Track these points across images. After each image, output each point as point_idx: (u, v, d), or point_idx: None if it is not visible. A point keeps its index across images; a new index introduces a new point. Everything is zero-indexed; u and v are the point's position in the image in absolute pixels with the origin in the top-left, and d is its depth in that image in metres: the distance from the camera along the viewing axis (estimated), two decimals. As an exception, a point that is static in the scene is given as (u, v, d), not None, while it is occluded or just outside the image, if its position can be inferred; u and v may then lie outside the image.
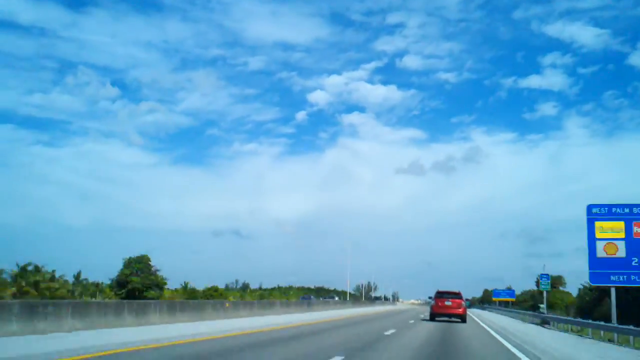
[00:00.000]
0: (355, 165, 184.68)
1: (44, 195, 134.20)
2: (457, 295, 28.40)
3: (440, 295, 28.36)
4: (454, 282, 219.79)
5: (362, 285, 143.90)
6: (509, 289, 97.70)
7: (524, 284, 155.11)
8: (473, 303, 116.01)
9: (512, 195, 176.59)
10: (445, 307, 27.77)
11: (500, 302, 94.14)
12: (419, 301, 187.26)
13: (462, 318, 27.78)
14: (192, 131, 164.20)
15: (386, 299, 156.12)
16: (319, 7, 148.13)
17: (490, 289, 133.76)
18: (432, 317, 28.50)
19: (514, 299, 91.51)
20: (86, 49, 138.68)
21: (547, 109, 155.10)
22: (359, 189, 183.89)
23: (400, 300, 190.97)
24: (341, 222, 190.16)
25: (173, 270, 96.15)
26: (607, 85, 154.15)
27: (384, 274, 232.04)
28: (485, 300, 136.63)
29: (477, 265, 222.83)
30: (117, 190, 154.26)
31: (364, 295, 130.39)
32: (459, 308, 27.62)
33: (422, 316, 34.58)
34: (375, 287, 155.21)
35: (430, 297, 33.22)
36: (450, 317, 28.11)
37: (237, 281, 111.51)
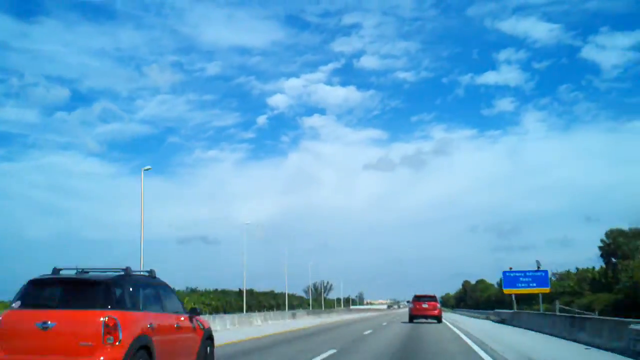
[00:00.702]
0: (318, 167, 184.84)
1: (4, 209, 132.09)
2: (433, 298, 31.12)
3: (418, 298, 30.88)
4: (425, 279, 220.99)
5: (316, 285, 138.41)
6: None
7: (495, 277, 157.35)
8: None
9: (476, 191, 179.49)
10: (422, 310, 30.40)
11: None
12: (388, 301, 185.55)
13: (438, 319, 30.48)
14: (152, 139, 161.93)
15: (349, 302, 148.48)
16: (274, 10, 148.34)
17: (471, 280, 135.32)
18: (411, 319, 30.91)
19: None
20: (39, 60, 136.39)
21: (505, 104, 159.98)
22: (323, 191, 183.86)
23: (367, 302, 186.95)
24: (308, 225, 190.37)
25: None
26: (562, 79, 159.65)
27: (352, 273, 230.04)
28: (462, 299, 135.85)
29: (448, 262, 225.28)
30: (78, 202, 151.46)
31: (311, 297, 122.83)
32: (435, 310, 30.37)
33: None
34: (330, 286, 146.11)
35: (408, 301, 37.09)
36: (427, 318, 30.68)
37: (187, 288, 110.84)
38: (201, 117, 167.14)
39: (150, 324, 6.97)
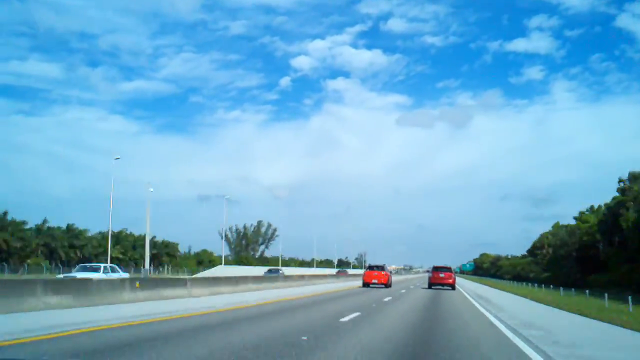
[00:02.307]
0: (341, 131, 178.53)
1: (27, 165, 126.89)
2: (449, 269, 37.89)
3: (436, 269, 37.82)
4: (445, 248, 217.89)
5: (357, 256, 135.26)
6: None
7: (519, 249, 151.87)
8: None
9: (499, 161, 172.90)
10: (439, 279, 36.40)
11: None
12: (402, 267, 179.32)
13: (452, 286, 36.10)
14: (174, 98, 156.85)
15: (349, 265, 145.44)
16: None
17: (490, 253, 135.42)
18: (430, 286, 36.55)
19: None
20: (62, 14, 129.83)
21: (534, 73, 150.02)
22: (345, 155, 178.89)
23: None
24: (328, 190, 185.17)
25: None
26: (594, 48, 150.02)
27: (371, 239, 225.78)
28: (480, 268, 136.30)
29: (469, 231, 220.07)
30: (100, 159, 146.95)
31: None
32: (450, 279, 36.25)
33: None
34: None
35: (427, 270, 44.06)
36: (443, 286, 36.07)
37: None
38: (225, 77, 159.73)
39: None
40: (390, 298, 22.77)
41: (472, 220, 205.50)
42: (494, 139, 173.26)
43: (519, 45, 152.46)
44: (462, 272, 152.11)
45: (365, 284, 35.10)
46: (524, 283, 67.13)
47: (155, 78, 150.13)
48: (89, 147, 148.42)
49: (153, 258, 76.01)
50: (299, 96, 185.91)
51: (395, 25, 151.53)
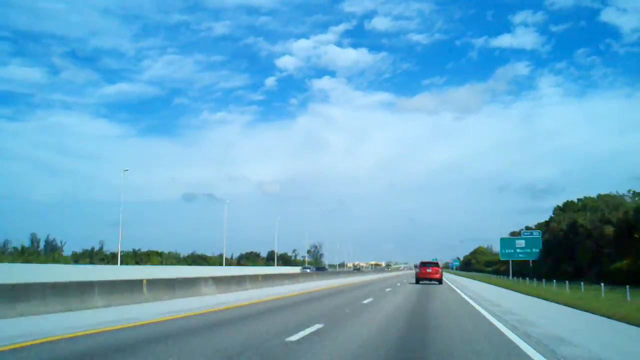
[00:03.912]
0: (327, 130, 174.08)
1: (10, 170, 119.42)
2: (436, 264, 39.35)
3: (423, 264, 38.74)
4: (437, 244, 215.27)
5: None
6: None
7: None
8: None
9: (488, 156, 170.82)
10: (426, 273, 37.28)
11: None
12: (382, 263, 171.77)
13: (439, 281, 37.22)
14: (158, 101, 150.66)
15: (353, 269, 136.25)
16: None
17: (484, 246, 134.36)
18: (417, 281, 37.70)
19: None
20: (41, 18, 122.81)
21: (520, 68, 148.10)
22: (332, 155, 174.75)
23: (354, 264, 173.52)
24: (315, 188, 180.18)
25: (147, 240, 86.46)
26: (579, 43, 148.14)
27: (360, 237, 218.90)
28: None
29: (458, 226, 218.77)
30: (84, 163, 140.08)
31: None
32: (437, 274, 37.18)
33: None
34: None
35: (415, 265, 49.23)
36: (430, 281, 37.15)
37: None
38: (209, 78, 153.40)
39: None
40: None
41: (459, 216, 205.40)
42: (481, 134, 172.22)
43: (504, 41, 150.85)
44: (448, 268, 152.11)
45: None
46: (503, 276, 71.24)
47: (139, 80, 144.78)
48: (73, 152, 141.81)
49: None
50: (284, 96, 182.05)
51: (380, 23, 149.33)
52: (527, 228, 77.52)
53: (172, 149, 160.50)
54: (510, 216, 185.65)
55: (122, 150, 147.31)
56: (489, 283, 46.00)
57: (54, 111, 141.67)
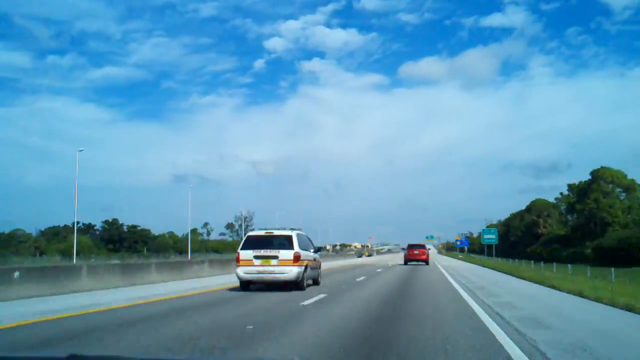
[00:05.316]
0: (318, 112, 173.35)
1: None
2: (422, 246, 41.15)
3: (411, 247, 41.04)
4: (435, 226, 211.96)
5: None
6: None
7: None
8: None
9: (480, 137, 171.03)
10: (414, 255, 39.75)
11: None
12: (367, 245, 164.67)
13: (426, 262, 39.48)
14: (146, 84, 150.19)
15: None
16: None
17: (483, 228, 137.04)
18: (406, 262, 40.08)
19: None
20: (24, 0, 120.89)
21: (510, 47, 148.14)
22: (323, 137, 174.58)
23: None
24: (306, 170, 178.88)
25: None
26: (570, 22, 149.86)
27: (355, 219, 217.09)
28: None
29: (452, 207, 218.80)
30: (73, 148, 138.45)
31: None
32: (424, 255, 39.69)
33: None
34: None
35: (403, 248, 51.84)
36: (418, 262, 39.23)
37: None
38: (197, 61, 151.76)
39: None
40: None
41: (454, 196, 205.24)
42: (471, 115, 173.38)
43: (494, 20, 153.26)
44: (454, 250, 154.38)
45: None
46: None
47: (126, 64, 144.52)
48: (62, 136, 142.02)
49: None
50: (274, 79, 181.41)
51: (369, 3, 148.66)
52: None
53: (162, 133, 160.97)
54: (508, 196, 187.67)
55: (111, 134, 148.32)
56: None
57: (41, 96, 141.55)
